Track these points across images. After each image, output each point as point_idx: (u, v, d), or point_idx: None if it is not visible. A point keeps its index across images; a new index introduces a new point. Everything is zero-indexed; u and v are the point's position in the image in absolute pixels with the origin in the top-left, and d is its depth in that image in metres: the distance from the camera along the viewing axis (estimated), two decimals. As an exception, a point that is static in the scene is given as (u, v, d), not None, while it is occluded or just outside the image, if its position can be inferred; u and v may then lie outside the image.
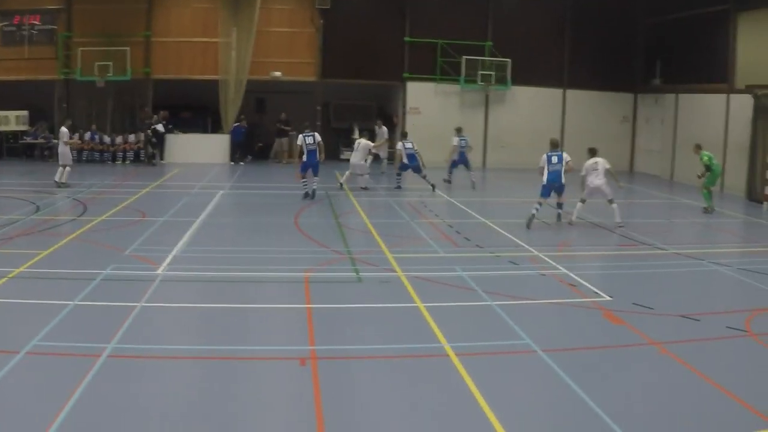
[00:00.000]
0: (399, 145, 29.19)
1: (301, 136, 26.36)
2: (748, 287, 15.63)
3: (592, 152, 21.86)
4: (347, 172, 28.73)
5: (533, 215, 20.99)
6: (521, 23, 38.88)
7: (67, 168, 27.45)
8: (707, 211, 25.13)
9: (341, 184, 28.68)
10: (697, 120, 34.25)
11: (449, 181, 30.10)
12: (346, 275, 15.33)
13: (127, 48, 36.23)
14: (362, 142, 28.33)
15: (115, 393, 9.10)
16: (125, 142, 37.62)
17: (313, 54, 37.95)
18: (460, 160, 30.05)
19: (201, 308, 13.13)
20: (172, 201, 24.73)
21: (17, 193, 25.89)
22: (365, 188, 28.20)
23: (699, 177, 25.38)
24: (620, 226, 20.78)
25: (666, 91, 37.58)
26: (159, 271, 14.99)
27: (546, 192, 21.64)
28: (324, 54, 37.88)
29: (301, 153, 26.14)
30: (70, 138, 28.98)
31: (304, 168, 26.29)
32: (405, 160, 28.59)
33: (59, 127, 28.98)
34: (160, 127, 36.21)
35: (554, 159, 21.53)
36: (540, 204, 21.27)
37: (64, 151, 27.66)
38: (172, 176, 31.16)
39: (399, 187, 29.06)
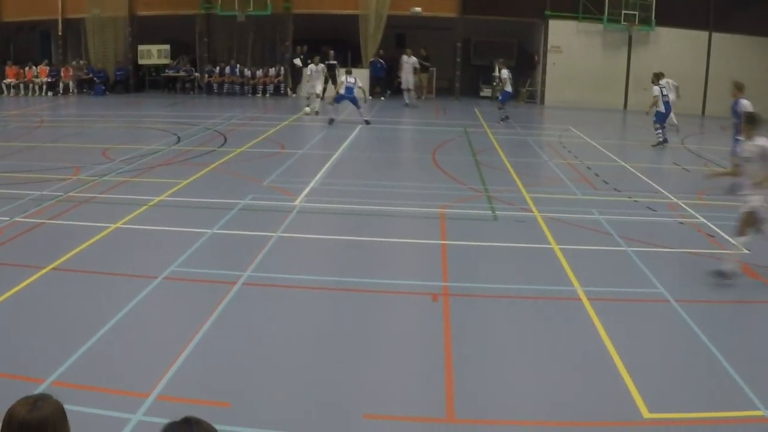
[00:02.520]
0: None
1: (344, 75, 28.28)
2: None
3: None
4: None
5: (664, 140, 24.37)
6: (668, -39, 37.29)
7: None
8: None
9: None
10: None
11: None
12: (482, 213, 15.11)
13: (272, -17, 36.41)
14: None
15: (249, 319, 9.23)
16: (265, 75, 38.01)
17: (455, -11, 37.41)
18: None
19: (336, 240, 13.15)
20: (311, 134, 24.96)
21: (159, 125, 26.51)
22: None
23: None
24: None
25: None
26: (296, 203, 15.08)
27: (665, 119, 24.68)
28: (465, -11, 37.25)
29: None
30: None
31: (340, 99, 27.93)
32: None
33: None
34: (297, 61, 36.44)
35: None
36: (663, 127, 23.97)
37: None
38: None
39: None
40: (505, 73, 29.40)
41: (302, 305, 10.10)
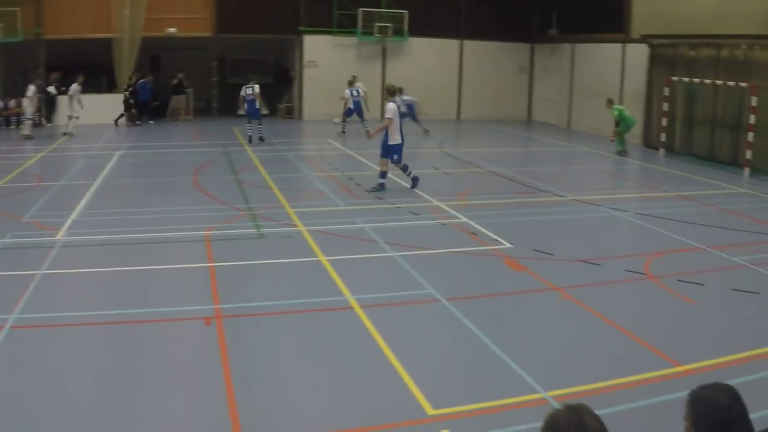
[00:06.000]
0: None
1: (243, 87, 28.72)
2: (646, 231, 16.15)
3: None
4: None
5: None
6: (417, -27, 38.83)
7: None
8: (621, 154, 27.11)
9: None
10: (593, 69, 35.09)
11: (344, 132, 31.39)
12: (248, 232, 15.37)
13: (18, 8, 35.24)
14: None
15: (23, 363, 9.00)
16: (18, 105, 36.81)
17: (208, 9, 37.28)
18: (355, 109, 31.54)
19: (103, 272, 12.98)
20: (68, 164, 24.41)
21: None
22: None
23: (611, 139, 27.57)
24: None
25: (563, 41, 38.24)
26: (58, 237, 14.78)
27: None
28: (219, 9, 37.19)
29: (243, 102, 28.96)
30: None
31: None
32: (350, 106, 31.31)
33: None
34: (51, 89, 35.49)
35: None
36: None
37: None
38: (68, 139, 30.53)
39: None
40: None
41: (76, 343, 9.92)
